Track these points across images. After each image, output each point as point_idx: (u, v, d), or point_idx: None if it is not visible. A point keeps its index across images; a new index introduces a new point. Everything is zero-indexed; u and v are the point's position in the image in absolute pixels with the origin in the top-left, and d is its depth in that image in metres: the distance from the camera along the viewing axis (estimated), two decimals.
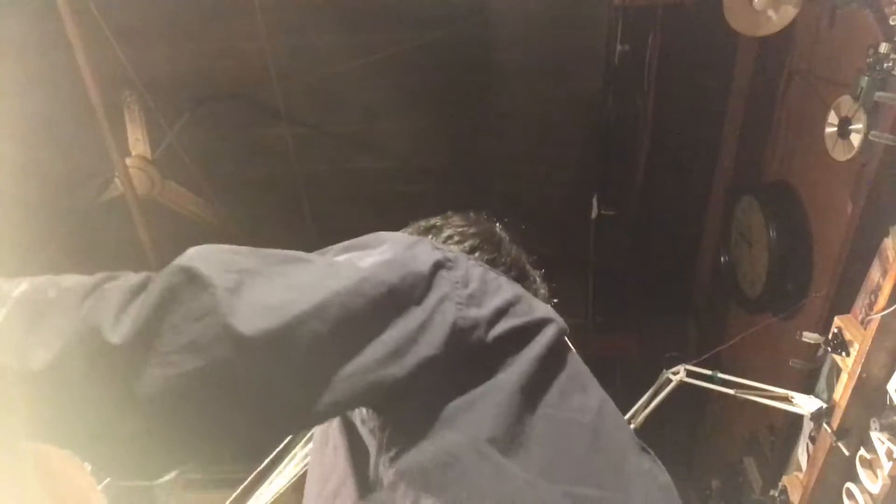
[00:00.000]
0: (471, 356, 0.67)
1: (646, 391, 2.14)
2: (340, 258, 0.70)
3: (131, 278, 0.62)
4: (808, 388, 2.07)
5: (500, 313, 0.70)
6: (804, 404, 1.85)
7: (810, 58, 2.27)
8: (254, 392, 0.59)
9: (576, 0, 2.61)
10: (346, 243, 0.74)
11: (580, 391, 0.75)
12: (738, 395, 1.97)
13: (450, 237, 0.95)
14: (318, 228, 3.23)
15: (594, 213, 3.08)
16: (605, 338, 3.49)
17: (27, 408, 0.59)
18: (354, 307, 0.63)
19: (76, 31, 2.20)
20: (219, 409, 0.59)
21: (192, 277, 0.59)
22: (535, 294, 0.93)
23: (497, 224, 1.01)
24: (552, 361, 0.72)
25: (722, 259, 2.90)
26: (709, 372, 2.07)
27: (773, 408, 1.95)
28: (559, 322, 0.75)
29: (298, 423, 0.71)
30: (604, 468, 0.73)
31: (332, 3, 2.63)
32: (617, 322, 3.51)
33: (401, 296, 0.66)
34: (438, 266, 0.70)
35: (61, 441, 0.62)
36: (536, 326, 0.72)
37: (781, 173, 2.51)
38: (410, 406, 0.66)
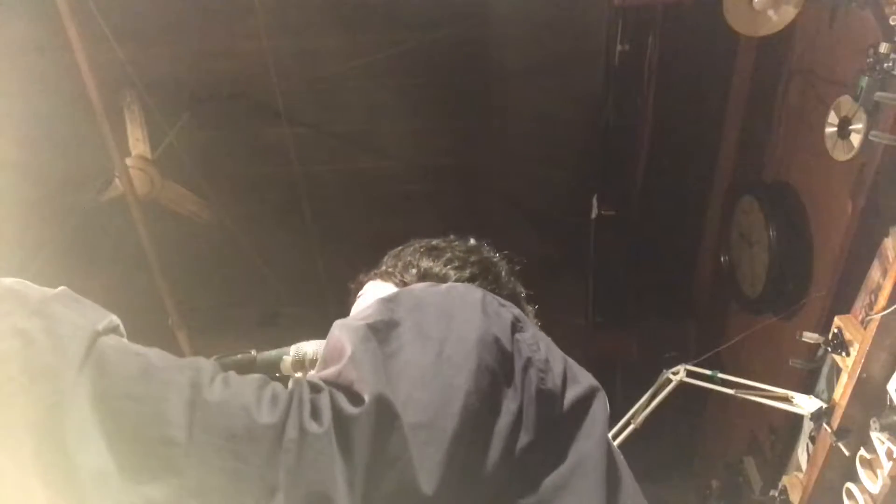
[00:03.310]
0: (550, 428, 0.68)
1: (646, 391, 2.14)
2: (420, 318, 0.68)
3: (318, 407, 0.59)
4: (808, 388, 2.07)
5: (565, 380, 0.71)
6: (804, 404, 1.85)
7: (810, 58, 2.27)
8: None
9: (576, 0, 2.61)
10: (410, 298, 0.72)
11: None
12: (738, 395, 1.97)
13: (450, 261, 0.96)
14: (318, 228, 3.23)
15: (594, 213, 3.08)
16: (605, 338, 3.49)
17: None
18: (479, 410, 0.62)
19: (76, 31, 2.20)
20: None
21: (386, 413, 0.59)
22: None
23: (496, 255, 1.01)
24: (608, 437, 0.74)
25: (722, 259, 2.90)
26: (709, 372, 2.07)
27: (773, 408, 1.95)
28: (601, 389, 0.76)
29: None
30: None
31: (332, 3, 2.63)
32: (617, 322, 3.51)
33: (498, 380, 0.65)
34: (514, 329, 0.70)
35: None
36: (591, 395, 0.73)
37: (781, 173, 2.51)
38: (512, 497, 0.65)
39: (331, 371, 0.64)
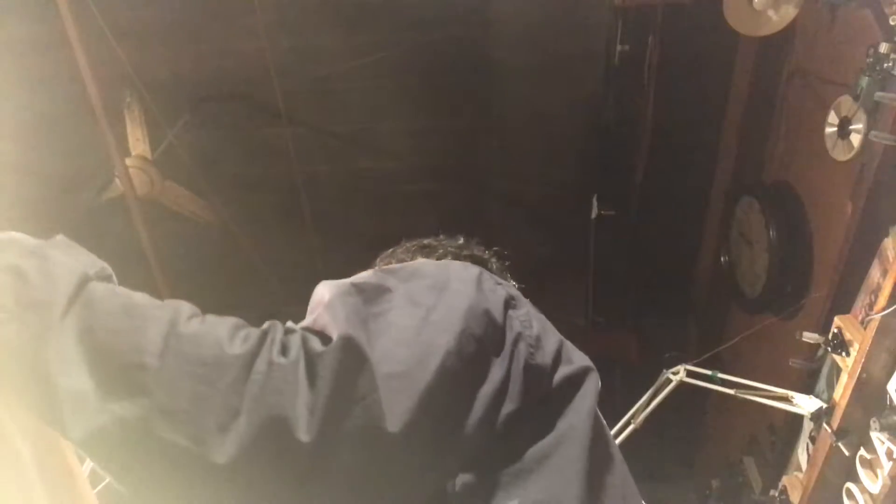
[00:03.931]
0: (538, 402, 0.69)
1: (646, 391, 2.14)
2: (413, 286, 0.70)
3: (287, 344, 0.62)
4: (808, 388, 2.07)
5: (557, 358, 0.72)
6: (804, 404, 1.85)
7: (810, 58, 2.27)
8: (401, 478, 0.62)
9: (576, 0, 2.61)
10: (406, 268, 0.74)
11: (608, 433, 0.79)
12: (738, 395, 1.97)
13: (443, 256, 0.97)
14: (318, 228, 3.23)
15: (594, 213, 3.08)
16: (605, 338, 3.49)
17: (199, 497, 0.59)
18: (458, 371, 0.63)
19: (76, 31, 2.20)
20: (367, 498, 0.62)
21: (355, 354, 0.61)
22: None
23: (486, 251, 1.03)
24: (597, 412, 0.75)
25: (722, 259, 2.90)
26: (709, 372, 2.07)
27: (773, 408, 1.96)
28: (595, 369, 0.77)
29: (421, 498, 0.70)
30: None
31: (332, 2, 2.63)
32: (617, 322, 3.51)
33: (486, 349, 0.67)
34: (507, 306, 0.71)
35: None
36: (583, 374, 0.74)
37: (781, 173, 2.51)
38: (492, 462, 0.67)
39: (307, 320, 0.67)
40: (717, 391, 2.05)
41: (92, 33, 2.31)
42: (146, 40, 2.68)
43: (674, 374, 2.10)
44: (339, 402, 0.59)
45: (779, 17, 1.95)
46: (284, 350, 0.61)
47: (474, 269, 0.74)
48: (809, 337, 1.94)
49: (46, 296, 0.59)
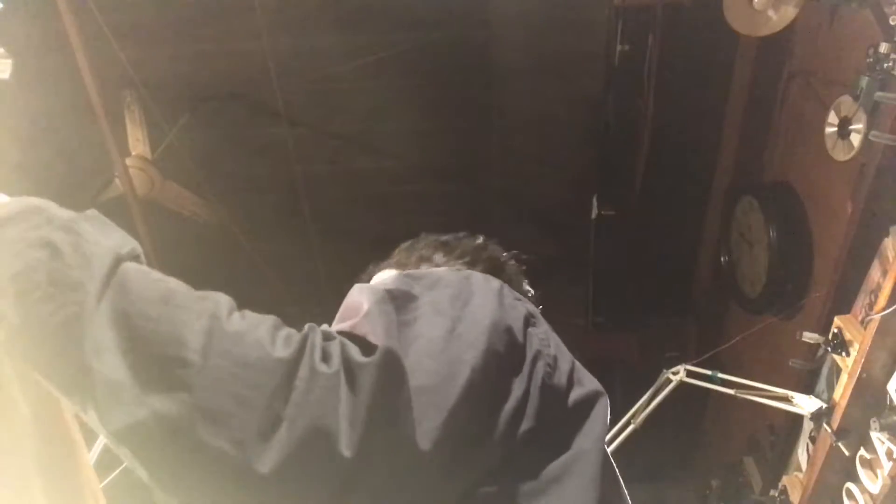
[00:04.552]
0: (552, 422, 0.69)
1: (646, 391, 2.14)
2: (437, 295, 0.70)
3: (328, 350, 0.61)
4: (808, 388, 2.07)
5: (570, 380, 0.72)
6: (804, 404, 1.85)
7: (810, 58, 2.27)
8: (427, 492, 0.62)
9: (576, 0, 2.61)
10: (430, 276, 0.75)
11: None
12: (738, 395, 1.97)
13: (462, 255, 0.97)
14: (318, 228, 3.23)
15: (594, 213, 3.08)
16: (605, 338, 3.49)
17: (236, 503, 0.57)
18: (483, 388, 0.63)
19: (76, 31, 2.20)
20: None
21: (396, 369, 0.60)
22: None
23: (504, 253, 1.02)
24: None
25: (722, 259, 2.90)
26: (709, 372, 2.07)
27: (773, 408, 1.95)
28: (605, 394, 0.77)
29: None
30: None
31: (332, 3, 2.63)
32: (617, 322, 3.51)
33: (508, 366, 0.67)
34: (527, 323, 0.71)
35: None
36: (595, 397, 0.74)
37: (781, 173, 2.51)
38: (507, 480, 0.66)
39: (345, 325, 0.66)
40: (717, 391, 2.05)
41: (92, 33, 2.31)
42: (146, 40, 2.68)
43: (674, 374, 2.10)
44: (379, 416, 0.58)
45: (779, 17, 1.95)
46: (326, 357, 0.60)
47: (495, 283, 0.74)
48: (809, 337, 1.94)
49: (82, 276, 0.57)
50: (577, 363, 0.76)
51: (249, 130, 3.02)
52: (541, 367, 0.69)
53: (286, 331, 0.62)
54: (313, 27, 2.67)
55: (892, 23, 1.65)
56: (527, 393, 0.67)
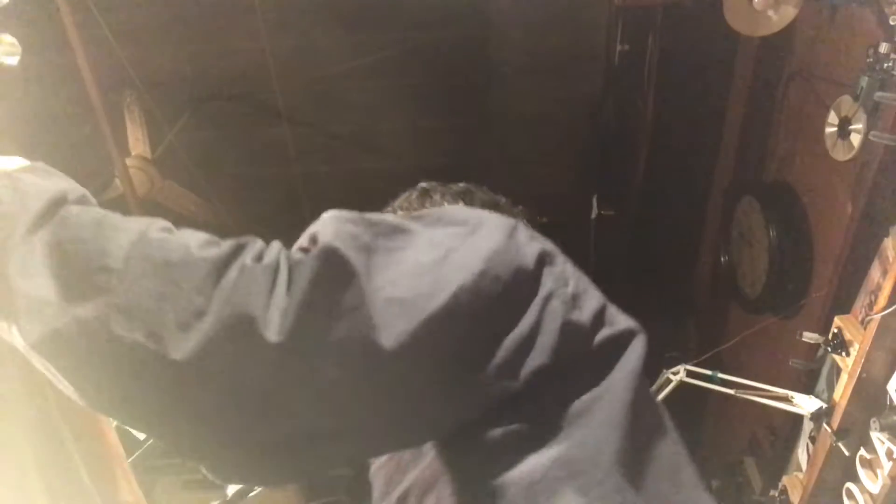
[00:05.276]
0: (576, 363, 0.66)
1: None
2: (438, 232, 0.66)
3: (263, 252, 0.60)
4: (808, 388, 2.07)
5: (598, 319, 0.68)
6: (804, 404, 1.85)
7: (810, 58, 2.27)
8: (395, 402, 0.59)
9: (576, 0, 2.61)
10: (433, 213, 0.70)
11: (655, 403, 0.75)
12: (738, 395, 1.97)
13: (483, 205, 0.95)
14: None
15: (594, 213, 3.08)
16: None
17: (155, 399, 0.55)
18: (475, 309, 0.60)
19: (76, 31, 2.20)
20: (361, 417, 0.59)
21: (338, 265, 0.58)
22: None
23: (518, 207, 1.00)
24: (644, 376, 0.71)
25: (722, 259, 2.90)
26: (709, 372, 2.07)
27: (773, 408, 1.95)
28: (643, 332, 0.74)
29: (428, 436, 0.67)
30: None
31: (332, 3, 2.63)
32: None
33: (513, 296, 0.63)
34: (542, 261, 0.67)
35: (183, 442, 0.59)
36: (629, 335, 0.71)
37: (781, 173, 2.51)
38: (521, 416, 0.63)
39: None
40: (717, 391, 2.05)
41: (92, 33, 2.31)
42: (146, 40, 2.68)
43: (674, 374, 2.09)
44: (318, 310, 0.56)
45: (779, 17, 1.95)
46: (260, 257, 0.59)
47: (511, 220, 0.69)
48: (809, 337, 1.94)
49: (12, 210, 0.59)
50: (611, 305, 0.72)
51: (249, 130, 3.02)
52: (557, 306, 0.64)
53: (218, 241, 0.62)
54: (313, 27, 2.67)
55: (892, 23, 1.65)
56: (537, 326, 0.63)
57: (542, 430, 0.63)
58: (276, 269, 0.58)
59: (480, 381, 0.61)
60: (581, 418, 0.64)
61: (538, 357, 0.62)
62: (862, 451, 1.68)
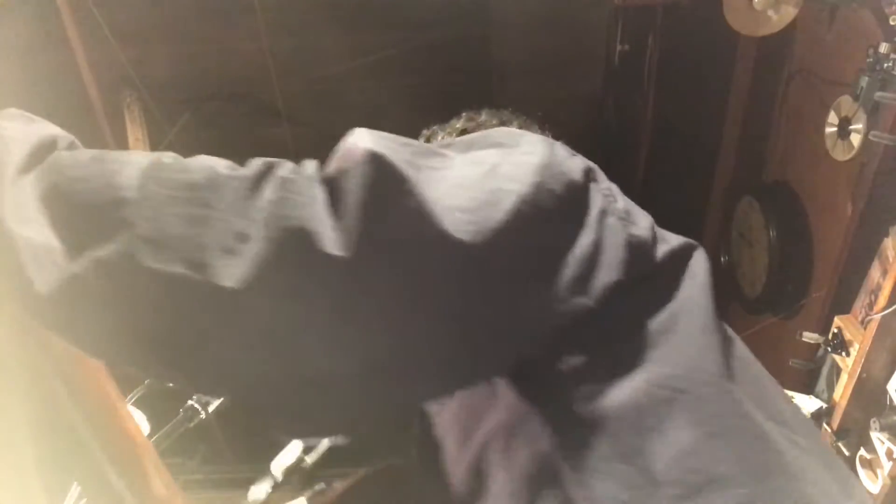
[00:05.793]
0: (645, 278, 0.62)
1: None
2: (475, 154, 0.60)
3: (298, 166, 0.54)
4: (807, 388, 2.07)
5: (654, 234, 0.65)
6: (804, 404, 1.85)
7: (810, 58, 2.27)
8: (466, 317, 0.53)
9: (576, 0, 2.61)
10: (463, 140, 0.65)
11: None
12: None
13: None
14: None
15: None
16: None
17: (201, 336, 0.48)
18: (537, 222, 0.55)
19: (76, 31, 2.20)
20: (429, 338, 0.53)
21: (388, 170, 0.52)
22: None
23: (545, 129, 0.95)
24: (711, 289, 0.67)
25: (722, 259, 2.90)
26: None
27: None
28: (700, 246, 0.70)
29: (496, 367, 0.60)
30: (792, 413, 0.68)
31: (332, 3, 2.63)
32: None
33: (568, 210, 0.59)
34: (588, 177, 0.63)
35: (226, 383, 0.53)
36: (689, 248, 0.67)
37: (781, 173, 2.51)
38: (599, 340, 0.59)
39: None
40: None
41: (92, 33, 2.31)
42: (146, 40, 2.68)
43: None
44: (380, 217, 0.50)
45: (779, 17, 1.95)
46: (296, 171, 0.54)
47: (550, 139, 0.65)
48: (809, 337, 1.94)
49: None
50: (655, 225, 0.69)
51: (249, 130, 3.02)
52: (614, 222, 0.61)
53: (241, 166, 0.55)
54: (313, 27, 2.67)
55: (892, 23, 1.65)
56: (599, 244, 0.58)
57: (624, 354, 0.59)
58: (320, 180, 0.53)
59: (554, 296, 0.56)
60: (664, 335, 0.60)
61: (609, 273, 0.58)
62: (862, 451, 1.67)
